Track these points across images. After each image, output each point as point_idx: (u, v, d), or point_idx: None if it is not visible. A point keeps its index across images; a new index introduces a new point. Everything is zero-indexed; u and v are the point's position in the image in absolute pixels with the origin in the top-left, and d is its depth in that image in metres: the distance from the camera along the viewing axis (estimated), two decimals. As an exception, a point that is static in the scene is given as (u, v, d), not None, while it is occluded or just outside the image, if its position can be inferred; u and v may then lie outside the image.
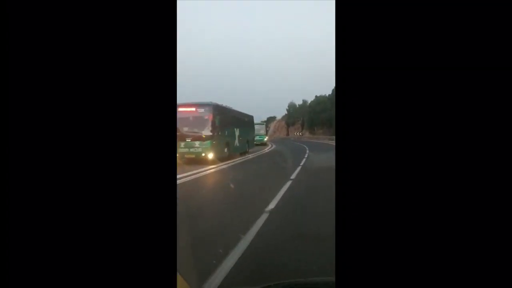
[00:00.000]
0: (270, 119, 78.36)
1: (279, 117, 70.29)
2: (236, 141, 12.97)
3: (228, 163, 9.85)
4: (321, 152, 16.24)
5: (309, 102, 48.89)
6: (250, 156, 14.19)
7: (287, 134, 56.62)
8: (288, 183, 5.74)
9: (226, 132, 11.29)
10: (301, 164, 9.79)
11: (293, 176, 6.83)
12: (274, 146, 23.02)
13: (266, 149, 19.86)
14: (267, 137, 33.31)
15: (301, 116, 50.88)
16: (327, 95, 42.60)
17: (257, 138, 28.31)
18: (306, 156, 13.30)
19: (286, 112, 58.64)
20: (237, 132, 13.06)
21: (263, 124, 28.82)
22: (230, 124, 11.91)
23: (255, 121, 20.59)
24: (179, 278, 0.74)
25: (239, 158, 12.22)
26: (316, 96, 45.97)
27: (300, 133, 48.08)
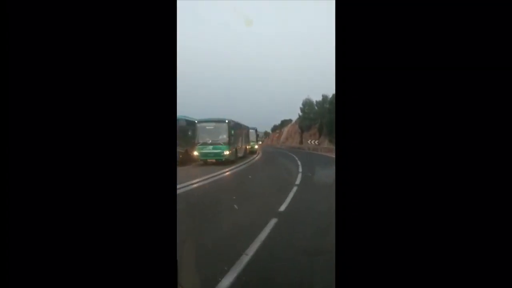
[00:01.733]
0: (285, 122, 64.96)
1: (295, 119, 55.58)
2: None
3: None
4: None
5: (330, 97, 34.18)
6: None
7: (301, 142, 42.11)
8: None
9: None
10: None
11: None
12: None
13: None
14: (241, 147, 19.01)
15: (319, 117, 36.24)
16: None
17: (206, 151, 14.42)
18: None
19: (300, 113, 43.79)
20: None
21: (223, 122, 14.36)
22: None
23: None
24: None
25: None
26: (340, 88, 31.06)
27: (317, 141, 33.31)
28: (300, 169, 11.57)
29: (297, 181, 8.31)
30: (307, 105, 42.07)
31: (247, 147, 20.23)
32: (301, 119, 44.00)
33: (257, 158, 18.91)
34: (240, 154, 16.83)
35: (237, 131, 16.18)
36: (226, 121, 14.33)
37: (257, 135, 27.98)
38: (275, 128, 71.95)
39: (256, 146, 25.03)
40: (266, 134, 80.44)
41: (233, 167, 12.70)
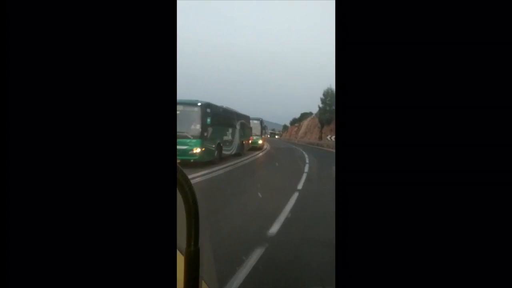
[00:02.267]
0: (304, 116, 60.01)
1: (316, 113, 50.49)
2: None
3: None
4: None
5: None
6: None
7: (320, 138, 37.22)
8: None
9: None
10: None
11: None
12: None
13: None
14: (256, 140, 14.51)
15: (342, 109, 31.04)
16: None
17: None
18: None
19: (321, 105, 38.69)
20: None
21: (194, 106, 9.84)
22: None
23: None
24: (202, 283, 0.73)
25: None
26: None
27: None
28: (301, 186, 7.07)
29: (283, 216, 3.88)
30: (328, 96, 36.89)
31: (245, 142, 15.69)
32: (321, 111, 38.93)
33: (255, 157, 14.45)
34: (227, 152, 12.42)
35: (220, 119, 11.72)
36: (199, 104, 9.88)
37: (264, 127, 23.04)
38: (294, 122, 67.15)
39: (260, 141, 20.19)
40: (284, 127, 75.50)
41: (205, 171, 8.41)
